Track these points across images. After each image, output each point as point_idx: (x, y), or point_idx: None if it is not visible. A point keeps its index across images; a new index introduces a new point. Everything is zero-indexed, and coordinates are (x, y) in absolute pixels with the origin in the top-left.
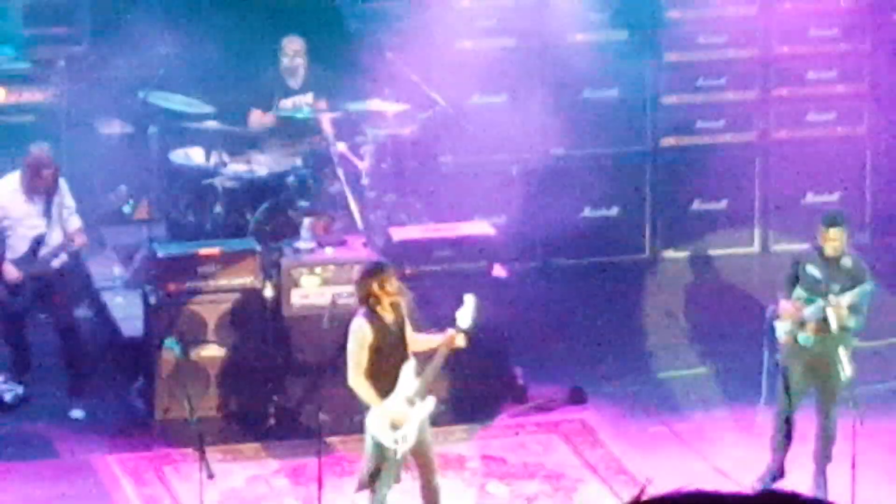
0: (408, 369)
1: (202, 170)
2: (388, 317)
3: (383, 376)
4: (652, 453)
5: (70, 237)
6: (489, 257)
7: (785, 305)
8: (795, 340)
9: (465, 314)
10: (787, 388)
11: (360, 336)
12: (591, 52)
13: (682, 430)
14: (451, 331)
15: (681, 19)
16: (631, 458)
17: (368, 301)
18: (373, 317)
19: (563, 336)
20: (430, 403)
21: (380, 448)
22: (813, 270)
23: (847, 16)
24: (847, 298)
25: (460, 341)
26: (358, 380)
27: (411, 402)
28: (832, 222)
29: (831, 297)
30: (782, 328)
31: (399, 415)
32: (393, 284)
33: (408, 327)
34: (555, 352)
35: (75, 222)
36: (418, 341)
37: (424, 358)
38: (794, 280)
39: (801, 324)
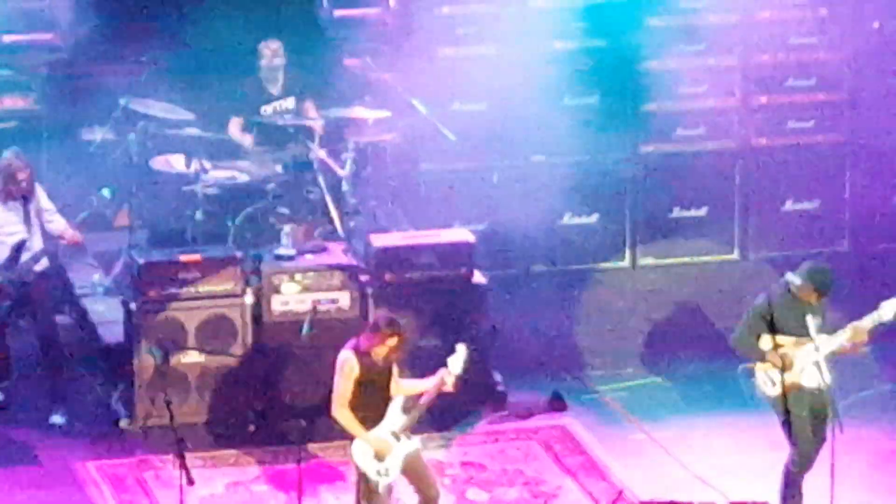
0: (396, 404)
1: (183, 176)
2: (380, 354)
3: (369, 409)
4: (632, 460)
5: (60, 236)
6: (469, 264)
7: (774, 357)
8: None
9: (457, 361)
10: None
11: (347, 370)
12: (571, 59)
13: (663, 437)
14: (442, 371)
15: (661, 27)
16: (611, 465)
17: (368, 344)
18: (362, 352)
19: (542, 343)
20: (415, 443)
21: (368, 480)
22: (791, 307)
23: (827, 24)
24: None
25: (449, 385)
26: (342, 411)
27: (396, 437)
28: (825, 288)
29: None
30: (772, 378)
31: (383, 447)
32: (399, 350)
33: (394, 370)
34: (535, 359)
35: (60, 221)
36: (402, 387)
37: (414, 397)
38: (764, 327)
39: (783, 369)
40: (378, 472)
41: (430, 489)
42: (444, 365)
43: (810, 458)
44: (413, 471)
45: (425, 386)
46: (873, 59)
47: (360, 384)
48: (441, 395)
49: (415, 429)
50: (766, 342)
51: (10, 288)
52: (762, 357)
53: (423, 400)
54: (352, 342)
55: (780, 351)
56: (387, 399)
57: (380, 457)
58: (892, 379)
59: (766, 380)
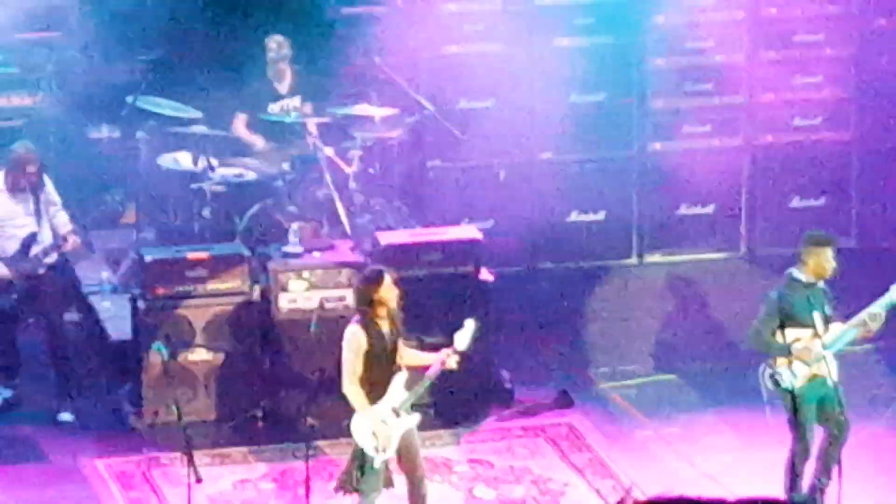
0: (399, 380)
1: (190, 174)
2: (384, 325)
3: (375, 384)
4: (639, 457)
5: (63, 238)
6: (476, 261)
7: (798, 348)
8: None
9: (464, 337)
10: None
11: (355, 344)
12: (577, 56)
13: (670, 434)
14: (445, 350)
15: (667, 24)
16: (618, 462)
17: (365, 308)
18: (368, 324)
19: (549, 340)
20: (415, 418)
21: (363, 453)
22: (802, 301)
23: (833, 21)
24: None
25: (452, 363)
26: (352, 387)
27: (397, 413)
28: (827, 241)
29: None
30: (794, 371)
31: (382, 423)
32: (392, 292)
33: (400, 341)
34: (542, 356)
35: (64, 219)
36: (409, 355)
37: (416, 372)
38: (778, 322)
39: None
40: (376, 448)
41: (419, 474)
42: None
43: (811, 449)
44: (405, 449)
45: (430, 359)
46: (879, 56)
47: (369, 358)
48: (448, 390)
49: (421, 424)
50: (782, 336)
51: (20, 280)
52: (780, 352)
53: (426, 377)
54: (356, 317)
55: (800, 343)
56: (393, 372)
57: (378, 433)
58: None
59: (790, 374)
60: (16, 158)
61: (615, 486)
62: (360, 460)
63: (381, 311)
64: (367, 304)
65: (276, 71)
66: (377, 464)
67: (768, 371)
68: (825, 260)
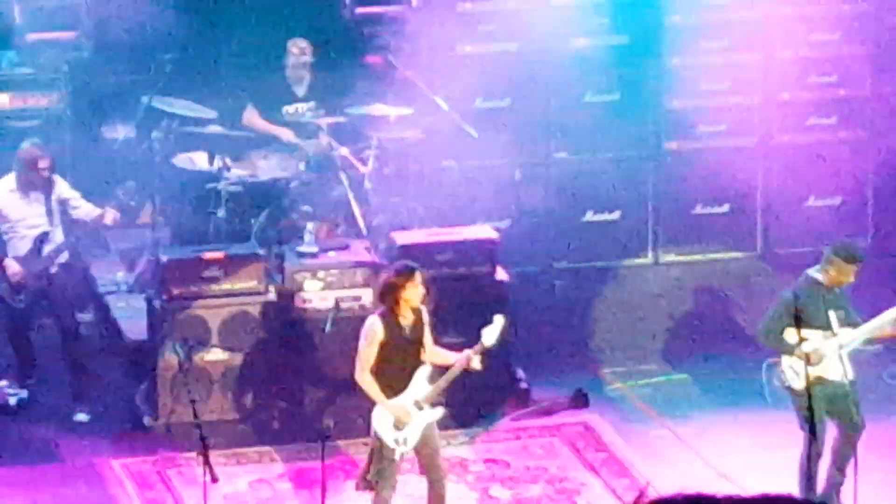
0: (422, 373)
1: (206, 174)
2: (406, 319)
3: (393, 376)
4: (655, 456)
5: (99, 218)
6: (492, 261)
7: (808, 348)
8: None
9: (493, 332)
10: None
11: (371, 334)
12: (592, 56)
13: (685, 434)
14: (467, 351)
15: (682, 24)
16: (634, 461)
17: (388, 301)
18: (388, 317)
19: (565, 339)
20: (438, 412)
21: (381, 446)
22: (817, 302)
23: (849, 19)
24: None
25: (476, 364)
26: (363, 375)
27: (419, 406)
28: (856, 259)
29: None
30: (797, 371)
31: (404, 415)
32: (416, 291)
33: (427, 336)
34: (557, 355)
35: (87, 206)
36: (436, 354)
37: (440, 368)
38: (790, 321)
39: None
40: (396, 441)
41: (439, 473)
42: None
43: (823, 449)
44: (425, 447)
45: (455, 358)
46: (895, 55)
47: (386, 350)
48: (464, 389)
49: (438, 423)
50: (791, 336)
51: (32, 279)
52: (789, 350)
53: (450, 372)
54: (379, 308)
55: (807, 345)
56: (415, 368)
57: (399, 425)
58: None
59: (793, 373)
60: (26, 157)
61: (631, 485)
62: (380, 453)
63: (404, 306)
64: (390, 297)
65: (296, 75)
66: (396, 456)
67: (772, 369)
68: (847, 274)
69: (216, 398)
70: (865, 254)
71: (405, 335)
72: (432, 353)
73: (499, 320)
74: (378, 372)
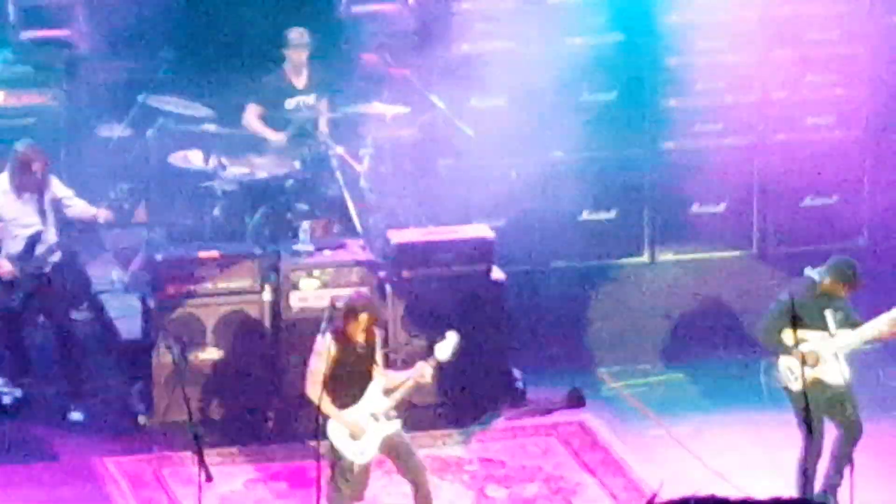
0: (376, 386)
1: (201, 173)
2: (359, 337)
3: (345, 391)
4: (650, 456)
5: (93, 217)
6: (488, 260)
7: (804, 349)
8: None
9: (446, 347)
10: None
11: (323, 350)
12: (589, 55)
13: (681, 433)
14: (420, 364)
15: (679, 23)
16: (630, 461)
17: (345, 322)
18: (341, 335)
19: (561, 339)
20: (395, 425)
21: (343, 461)
22: (815, 303)
23: (845, 19)
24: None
25: (427, 377)
26: (313, 389)
27: (375, 418)
28: (855, 282)
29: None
30: (795, 372)
31: (359, 428)
32: (361, 328)
33: (378, 356)
34: (553, 354)
35: (80, 204)
36: (386, 378)
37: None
38: (788, 321)
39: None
40: (353, 453)
41: (418, 473)
42: (461, 361)
43: (821, 449)
44: (397, 454)
45: (405, 377)
46: (892, 54)
47: (338, 366)
48: (459, 389)
49: (429, 423)
50: (788, 337)
51: (25, 279)
52: (786, 351)
53: (405, 386)
54: (332, 326)
55: (805, 346)
56: (366, 382)
57: (355, 437)
58: None
59: (790, 374)
60: (21, 159)
61: (626, 485)
62: (340, 465)
63: (357, 329)
64: (348, 320)
65: (295, 64)
66: (356, 469)
67: (771, 369)
68: (838, 290)
69: (211, 397)
70: (859, 275)
71: (357, 352)
72: (381, 376)
73: (451, 337)
74: (330, 386)
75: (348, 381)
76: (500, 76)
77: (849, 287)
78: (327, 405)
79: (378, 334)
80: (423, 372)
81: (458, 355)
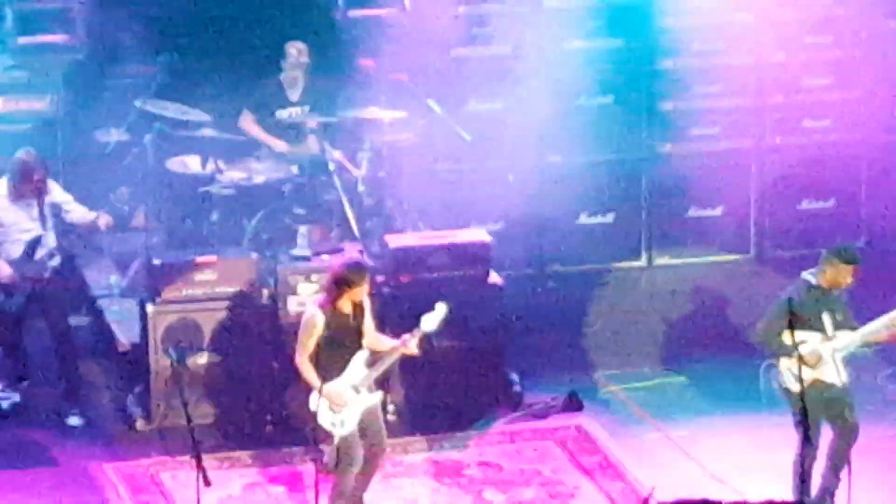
0: (359, 358)
1: (199, 178)
2: (346, 307)
3: (333, 363)
4: (648, 460)
5: (93, 222)
6: (485, 264)
7: (804, 351)
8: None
9: (433, 319)
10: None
11: (310, 326)
12: (586, 59)
13: (679, 436)
14: (406, 336)
15: (676, 26)
16: (627, 464)
17: (333, 294)
18: (329, 308)
19: (559, 342)
20: (376, 396)
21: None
22: (813, 305)
23: (842, 22)
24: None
25: (413, 348)
26: (301, 360)
27: (356, 390)
28: (853, 259)
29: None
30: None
31: (340, 398)
32: (363, 290)
33: (369, 323)
34: (551, 358)
35: (80, 209)
36: (378, 340)
37: (378, 353)
38: (787, 323)
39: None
40: (332, 424)
41: (376, 449)
42: (459, 365)
43: (817, 451)
44: (368, 428)
45: (391, 348)
46: (888, 57)
47: (326, 339)
48: (457, 392)
49: (427, 426)
50: (789, 338)
51: (24, 283)
52: (787, 353)
53: (388, 356)
54: (320, 298)
55: (804, 347)
56: (353, 355)
57: (335, 408)
58: None
59: (790, 376)
60: (21, 168)
61: (624, 489)
62: (343, 446)
63: (346, 300)
64: (335, 290)
65: (291, 78)
66: (336, 439)
67: (771, 370)
68: (844, 275)
69: (209, 402)
70: (860, 257)
71: (344, 324)
72: (374, 340)
73: (440, 308)
74: (318, 358)
75: (337, 354)
76: (497, 80)
77: (853, 270)
78: (313, 377)
79: (366, 301)
80: (409, 343)
81: (456, 359)
